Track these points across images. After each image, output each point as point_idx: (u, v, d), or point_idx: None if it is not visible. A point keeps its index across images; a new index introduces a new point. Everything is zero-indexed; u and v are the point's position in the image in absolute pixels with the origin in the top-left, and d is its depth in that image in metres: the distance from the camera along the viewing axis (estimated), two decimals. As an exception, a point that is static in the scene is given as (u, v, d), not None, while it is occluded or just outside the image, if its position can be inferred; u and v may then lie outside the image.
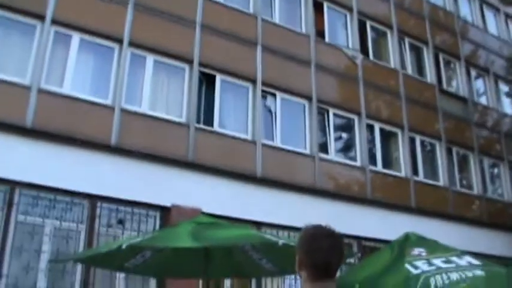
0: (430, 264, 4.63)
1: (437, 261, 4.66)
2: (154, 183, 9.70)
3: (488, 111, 17.52)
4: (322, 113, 13.13)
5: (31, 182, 8.59)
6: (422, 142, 15.02)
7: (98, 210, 9.29)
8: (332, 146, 12.99)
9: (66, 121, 9.31)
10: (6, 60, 9.43)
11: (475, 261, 4.73)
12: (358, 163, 13.21)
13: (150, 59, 10.88)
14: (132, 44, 10.58)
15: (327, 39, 14.04)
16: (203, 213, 8.87)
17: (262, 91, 12.11)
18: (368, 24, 15.22)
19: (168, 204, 9.82)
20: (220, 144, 11.05)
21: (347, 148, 13.63)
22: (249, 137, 11.62)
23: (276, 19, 13.27)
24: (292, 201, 11.23)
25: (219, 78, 11.66)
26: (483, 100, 17.81)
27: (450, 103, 16.09)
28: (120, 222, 9.55)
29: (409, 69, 15.72)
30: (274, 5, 13.43)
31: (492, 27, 19.42)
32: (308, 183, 11.90)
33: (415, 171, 14.31)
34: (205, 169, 10.43)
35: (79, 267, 8.68)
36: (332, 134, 13.12)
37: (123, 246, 4.71)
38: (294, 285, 10.82)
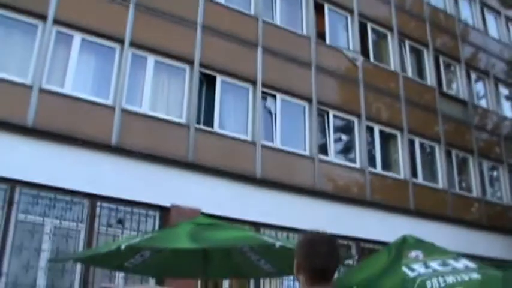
0: (426, 266, 4.68)
1: (434, 264, 4.71)
2: (154, 183, 9.73)
3: (488, 114, 17.54)
4: (322, 115, 13.15)
5: (31, 181, 8.64)
6: (421, 144, 15.04)
7: (97, 210, 9.34)
8: (332, 147, 13.02)
9: (67, 121, 9.34)
10: (7, 59, 9.46)
11: (471, 264, 4.78)
12: (357, 165, 13.24)
13: (151, 59, 10.91)
14: (133, 44, 10.61)
15: (327, 41, 14.07)
16: (203, 213, 8.91)
17: (263, 92, 12.14)
18: (369, 26, 15.25)
19: (167, 204, 9.86)
20: (220, 145, 11.08)
21: (346, 150, 13.65)
22: (248, 138, 11.65)
23: (277, 21, 13.30)
24: (292, 203, 11.26)
25: (219, 79, 11.69)
26: (483, 103, 17.83)
27: (450, 106, 16.11)
28: (120, 222, 9.59)
29: (409, 72, 15.74)
30: (275, 7, 13.45)
31: (493, 30, 19.44)
32: (307, 185, 11.93)
33: (414, 173, 14.33)
34: (205, 170, 10.47)
35: (78, 266, 8.72)
36: (332, 136, 13.14)
37: (122, 247, 4.73)
38: (292, 286, 10.85)
